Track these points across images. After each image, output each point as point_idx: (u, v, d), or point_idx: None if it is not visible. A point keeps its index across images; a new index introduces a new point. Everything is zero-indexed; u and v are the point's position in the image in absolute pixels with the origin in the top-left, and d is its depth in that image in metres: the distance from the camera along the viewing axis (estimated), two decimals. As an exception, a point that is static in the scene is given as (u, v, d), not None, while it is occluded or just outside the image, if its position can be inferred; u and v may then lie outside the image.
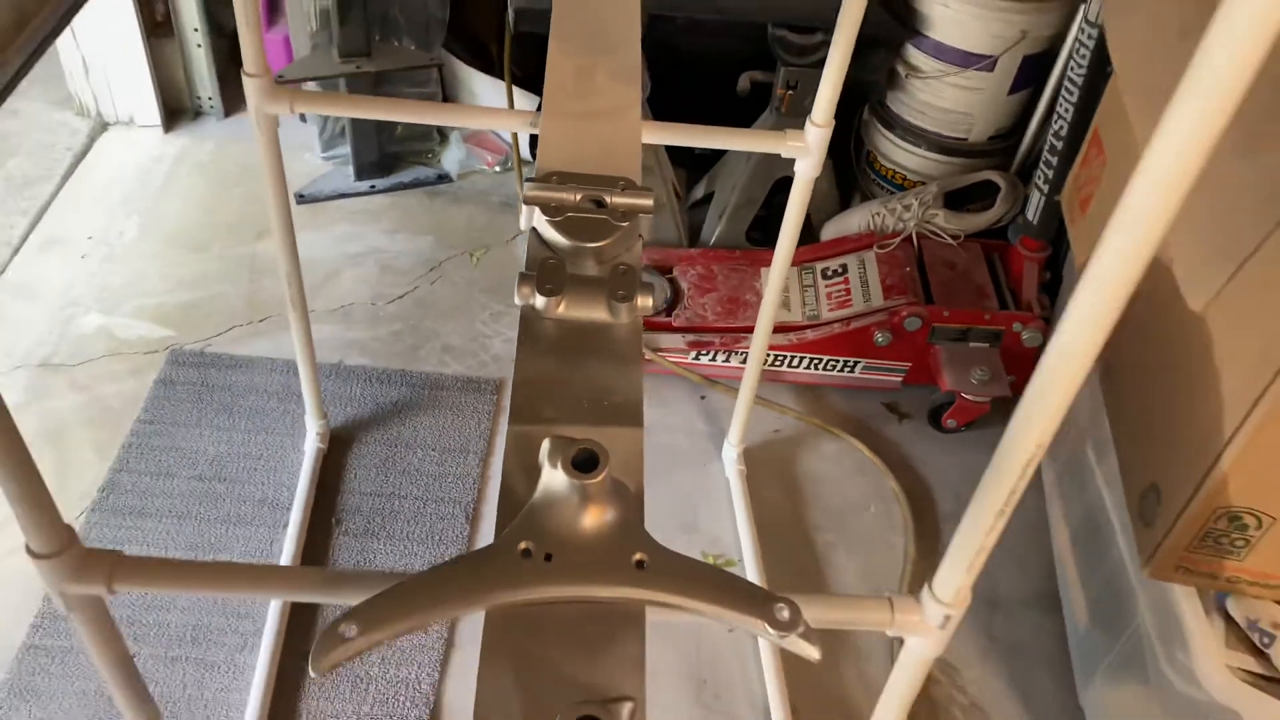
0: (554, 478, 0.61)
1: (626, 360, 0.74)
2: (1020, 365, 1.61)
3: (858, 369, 1.64)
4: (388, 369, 1.62)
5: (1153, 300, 0.92)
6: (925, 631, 0.64)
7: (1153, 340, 0.99)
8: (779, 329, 1.63)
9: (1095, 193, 1.27)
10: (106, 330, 1.66)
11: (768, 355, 1.61)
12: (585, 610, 0.59)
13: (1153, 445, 0.97)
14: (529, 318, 0.74)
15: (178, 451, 1.47)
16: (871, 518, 1.51)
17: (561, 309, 0.74)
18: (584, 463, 0.61)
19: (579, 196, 0.81)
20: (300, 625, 1.28)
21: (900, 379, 1.65)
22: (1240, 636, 0.94)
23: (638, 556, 0.60)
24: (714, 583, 0.61)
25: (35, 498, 0.57)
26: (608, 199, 0.81)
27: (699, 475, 1.53)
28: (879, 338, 1.59)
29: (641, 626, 0.59)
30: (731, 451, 1.53)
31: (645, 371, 1.63)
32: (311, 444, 1.48)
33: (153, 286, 1.74)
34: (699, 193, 1.96)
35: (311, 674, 0.53)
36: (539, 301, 0.73)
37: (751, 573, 1.38)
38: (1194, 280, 0.73)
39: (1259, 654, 0.93)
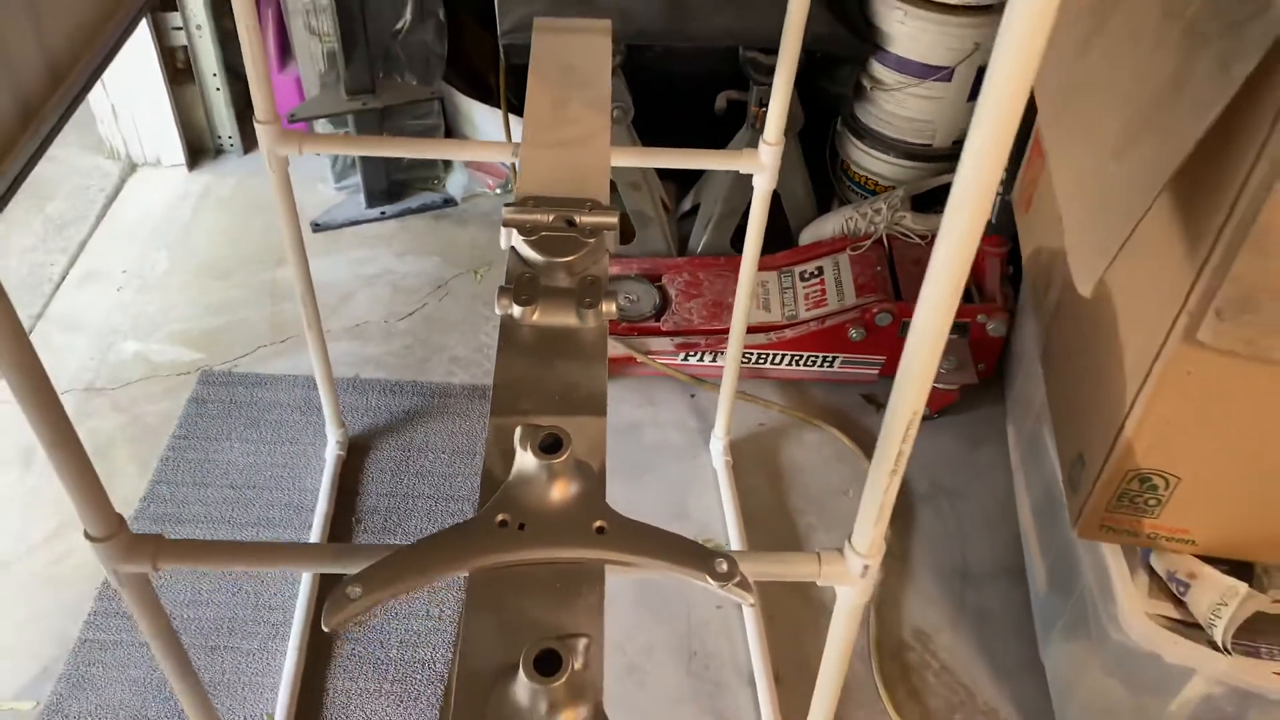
0: (525, 459, 0.70)
1: (592, 359, 0.82)
2: (986, 354, 1.69)
3: (836, 363, 1.73)
4: (400, 380, 1.72)
5: (1072, 288, 1.00)
6: (850, 581, 0.73)
7: (1074, 324, 1.08)
8: (761, 329, 1.72)
9: (1035, 193, 1.36)
10: (143, 356, 1.77)
11: (752, 354, 1.71)
12: (553, 570, 0.67)
13: (1078, 419, 1.06)
14: (508, 325, 0.82)
15: (211, 463, 1.58)
16: (850, 501, 1.59)
17: (536, 317, 0.82)
18: (550, 446, 0.70)
19: (551, 217, 0.90)
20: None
21: (877, 372, 1.74)
22: (1162, 587, 1.02)
23: (598, 524, 0.69)
24: (663, 543, 0.69)
25: (92, 491, 0.67)
26: (577, 219, 0.90)
27: (689, 467, 1.62)
28: (853, 333, 1.68)
29: (601, 582, 0.68)
30: (718, 444, 1.62)
31: (636, 372, 1.73)
32: (332, 452, 1.59)
33: (183, 314, 1.85)
34: (686, 205, 2.05)
35: (324, 629, 0.63)
36: (516, 311, 0.82)
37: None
38: (1082, 270, 0.82)
39: (1178, 602, 1.01)
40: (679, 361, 1.73)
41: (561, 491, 0.70)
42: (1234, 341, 0.79)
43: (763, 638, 1.36)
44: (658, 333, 1.74)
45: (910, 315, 1.75)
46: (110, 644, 1.33)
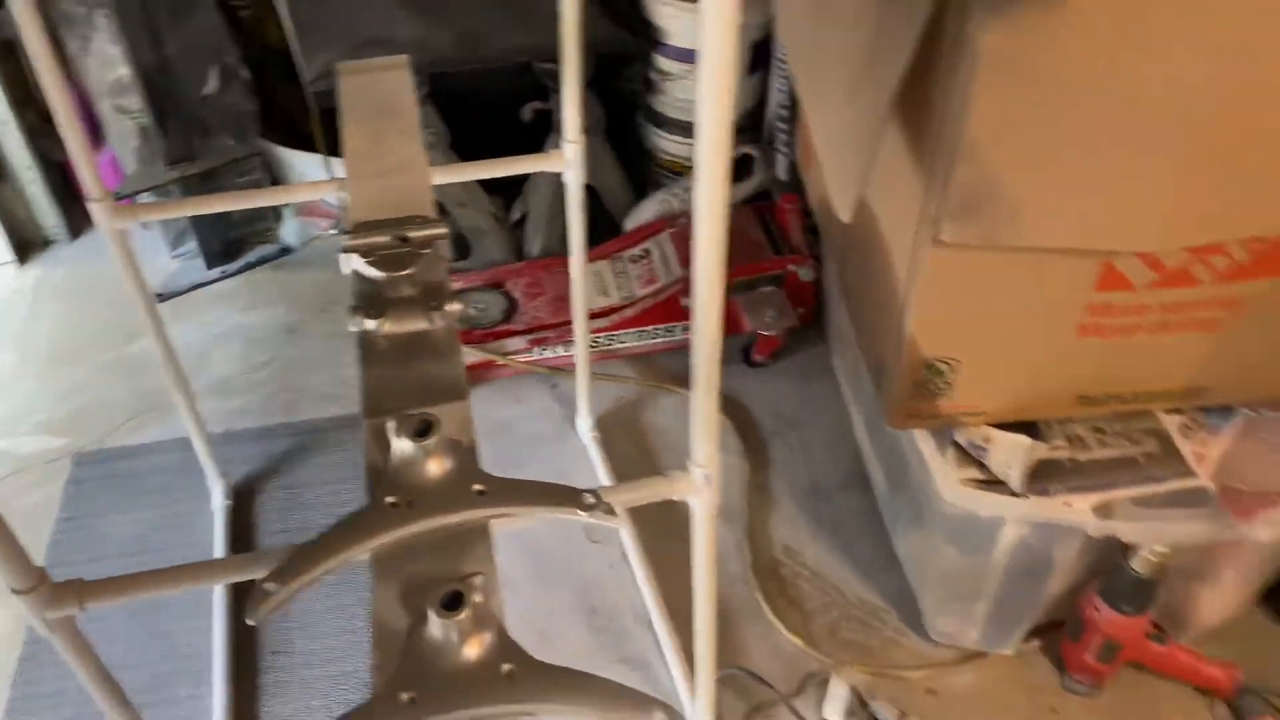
0: (402, 445, 0.77)
1: (447, 353, 0.90)
2: (804, 299, 1.85)
3: (677, 332, 1.86)
4: (271, 425, 1.75)
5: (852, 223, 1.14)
6: (696, 491, 0.84)
7: (856, 252, 1.22)
8: (602, 313, 1.83)
9: (813, 147, 1.51)
10: (8, 452, 1.74)
11: (600, 337, 1.81)
12: (445, 534, 0.76)
13: (874, 331, 1.21)
14: (364, 339, 0.89)
15: (101, 539, 1.58)
16: (710, 450, 1.72)
17: (388, 326, 0.90)
18: (423, 430, 0.77)
19: (387, 237, 0.97)
20: (243, 655, 1.41)
21: (713, 332, 1.87)
22: (967, 457, 1.18)
23: (477, 488, 0.77)
24: (535, 492, 0.78)
25: (11, 548, 0.72)
26: (410, 234, 0.98)
27: (562, 450, 1.72)
28: (685, 302, 1.81)
29: (488, 535, 0.76)
30: (584, 424, 1.72)
31: (498, 375, 1.81)
32: (219, 503, 1.61)
33: (42, 403, 1.82)
34: (516, 214, 2.14)
35: (249, 623, 0.69)
36: (370, 324, 0.89)
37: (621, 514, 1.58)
38: (840, 201, 0.96)
39: (981, 466, 1.17)
40: (535, 356, 1.82)
41: (439, 467, 0.78)
42: (969, 237, 0.93)
43: (653, 584, 1.46)
44: (510, 334, 1.82)
45: (731, 276, 1.89)
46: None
